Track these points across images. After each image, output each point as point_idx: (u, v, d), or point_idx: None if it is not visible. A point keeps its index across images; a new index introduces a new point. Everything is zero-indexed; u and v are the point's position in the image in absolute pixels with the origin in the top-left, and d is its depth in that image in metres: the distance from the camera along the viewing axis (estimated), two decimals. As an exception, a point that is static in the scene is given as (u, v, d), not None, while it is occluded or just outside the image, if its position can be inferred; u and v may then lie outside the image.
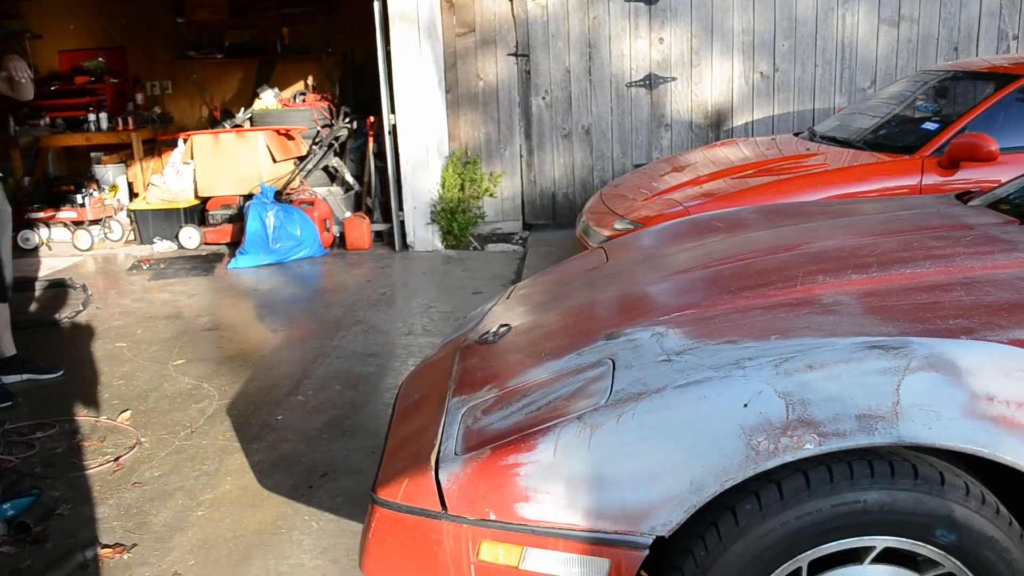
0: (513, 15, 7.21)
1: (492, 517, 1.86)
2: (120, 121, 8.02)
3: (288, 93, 8.32)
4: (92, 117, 7.98)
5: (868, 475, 1.74)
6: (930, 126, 5.00)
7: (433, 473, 1.94)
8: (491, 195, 7.41)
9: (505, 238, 7.39)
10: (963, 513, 1.74)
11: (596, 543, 1.79)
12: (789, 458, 1.72)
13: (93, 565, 2.79)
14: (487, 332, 2.73)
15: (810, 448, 1.72)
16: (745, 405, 1.76)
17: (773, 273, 2.44)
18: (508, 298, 3.22)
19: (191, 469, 3.42)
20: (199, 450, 3.58)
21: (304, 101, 7.98)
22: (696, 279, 2.57)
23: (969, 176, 4.59)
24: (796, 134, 5.99)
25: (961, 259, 2.34)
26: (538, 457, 1.85)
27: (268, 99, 7.88)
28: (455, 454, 1.98)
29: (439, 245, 7.04)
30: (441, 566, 1.93)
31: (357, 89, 8.42)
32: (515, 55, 7.29)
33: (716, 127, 7.37)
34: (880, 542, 1.76)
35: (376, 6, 6.70)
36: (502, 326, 2.73)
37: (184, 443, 3.66)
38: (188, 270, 6.66)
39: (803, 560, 1.76)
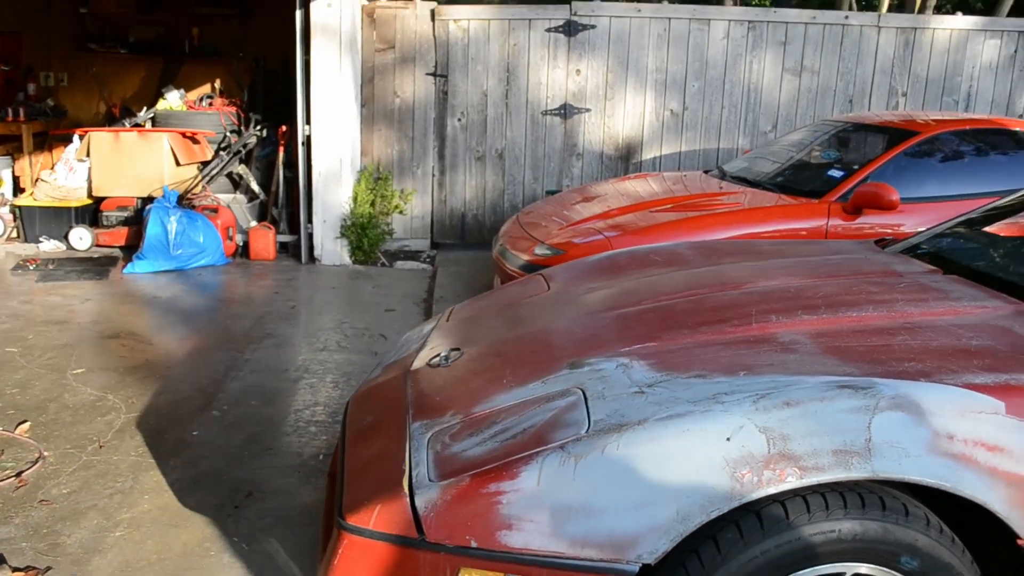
0: (434, 35, 7.22)
1: (473, 545, 1.84)
2: (9, 111, 7.54)
3: (194, 95, 8.02)
4: (-22, 104, 7.48)
5: (842, 506, 1.83)
6: (835, 173, 5.29)
7: (408, 499, 1.91)
8: (401, 212, 7.35)
9: (413, 256, 7.34)
10: (925, 542, 1.85)
11: (581, 571, 1.80)
12: (772, 490, 1.78)
13: (3, 589, 2.60)
14: (437, 355, 2.71)
15: (792, 481, 1.78)
16: (728, 439, 1.81)
17: (726, 310, 2.52)
18: (448, 321, 3.19)
19: (103, 487, 3.23)
20: (110, 466, 3.39)
21: (211, 105, 7.71)
22: (650, 312, 2.62)
23: (870, 221, 4.89)
24: (706, 171, 6.21)
25: (900, 305, 2.48)
26: (521, 485, 1.84)
27: (173, 100, 7.58)
28: (429, 480, 1.95)
29: (347, 260, 6.92)
30: (414, 594, 1.89)
31: (267, 96, 8.21)
32: (434, 75, 7.29)
33: (626, 159, 7.56)
34: (851, 568, 1.84)
35: (298, 15, 6.57)
36: (452, 350, 2.72)
37: (93, 458, 3.45)
38: (80, 272, 6.31)
39: (781, 588, 1.83)
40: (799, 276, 2.85)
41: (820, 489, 1.85)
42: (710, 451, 1.80)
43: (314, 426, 3.82)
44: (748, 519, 1.81)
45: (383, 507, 1.92)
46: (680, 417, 1.86)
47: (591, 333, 2.53)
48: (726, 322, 2.41)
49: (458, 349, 2.69)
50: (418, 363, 2.71)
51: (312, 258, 6.90)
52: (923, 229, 4.45)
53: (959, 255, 3.10)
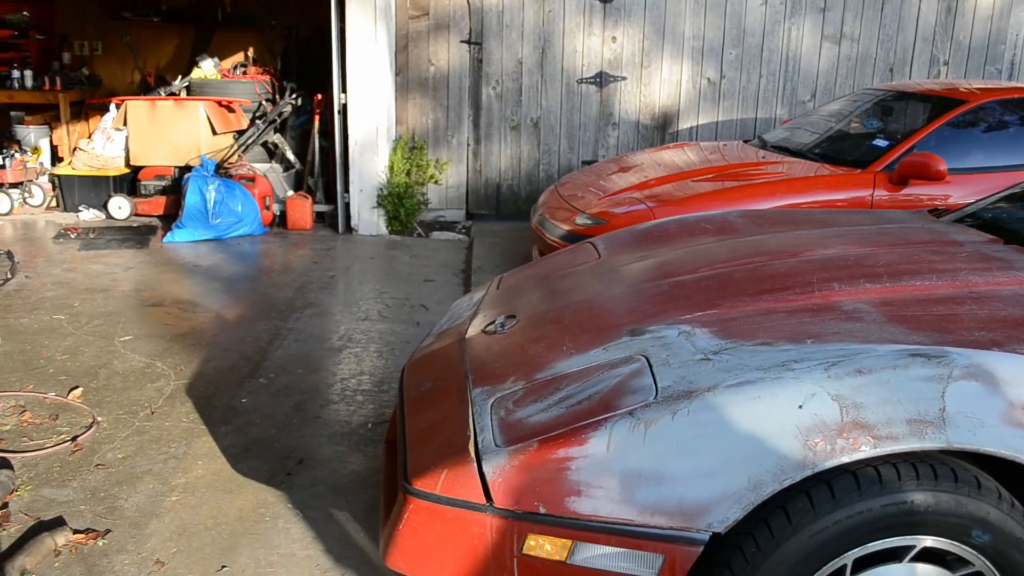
0: (468, 2, 7.15)
1: (542, 511, 1.84)
2: (46, 80, 7.59)
3: (228, 64, 8.03)
4: (16, 74, 7.54)
5: (914, 477, 1.81)
6: (880, 143, 5.20)
7: (475, 465, 1.91)
8: (436, 182, 7.34)
9: (449, 226, 7.33)
10: (997, 515, 1.83)
11: (651, 538, 1.80)
12: (846, 459, 1.77)
13: (67, 552, 2.64)
14: (492, 323, 2.71)
15: (865, 450, 1.77)
16: (800, 406, 1.80)
17: (786, 278, 2.49)
18: (498, 288, 3.19)
19: (157, 452, 3.27)
20: (163, 432, 3.43)
21: (245, 73, 7.72)
22: (707, 280, 2.59)
23: (916, 192, 4.81)
24: (745, 141, 6.14)
25: (964, 274, 2.44)
26: (591, 451, 1.84)
27: (207, 68, 7.59)
28: (496, 446, 1.95)
29: (384, 230, 6.93)
30: (481, 559, 1.91)
31: (300, 64, 8.19)
32: (468, 43, 7.23)
33: (662, 128, 7.48)
34: (921, 541, 1.83)
35: (334, -19, 6.54)
36: (508, 317, 2.71)
37: (145, 424, 3.49)
38: (120, 241, 6.36)
39: (848, 558, 1.82)
40: (857, 244, 2.81)
41: (892, 459, 1.84)
42: (782, 419, 1.79)
43: (361, 395, 3.84)
44: (819, 489, 1.80)
45: (450, 472, 1.93)
46: (751, 384, 1.84)
47: (649, 301, 2.51)
48: (787, 290, 2.39)
49: (513, 316, 2.68)
50: (473, 330, 2.72)
51: (349, 228, 6.91)
52: (973, 199, 4.40)
53: (1019, 225, 3.04)
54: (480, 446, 1.96)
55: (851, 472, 1.81)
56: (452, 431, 2.10)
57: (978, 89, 5.40)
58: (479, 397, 2.20)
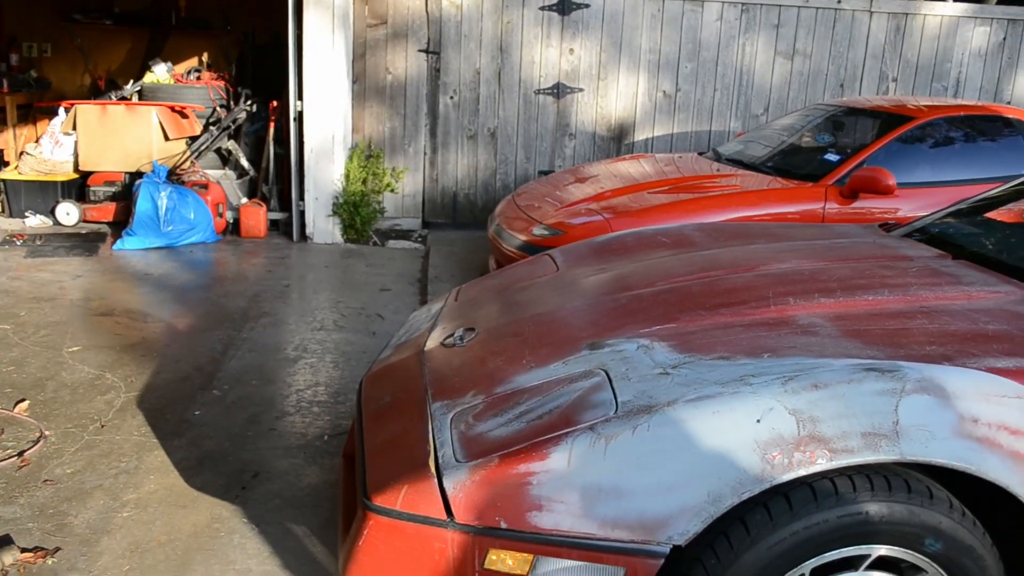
0: (427, 11, 7.15)
1: (503, 526, 1.84)
2: (-8, 83, 7.41)
3: (181, 68, 7.90)
4: (-40, 76, 7.34)
5: (869, 489, 1.84)
6: (831, 157, 5.31)
7: (436, 480, 1.91)
8: (392, 191, 7.30)
9: (405, 235, 7.30)
10: (949, 524, 1.88)
11: (612, 552, 1.81)
12: (803, 472, 1.80)
13: (15, 571, 2.57)
14: (451, 335, 2.70)
15: (822, 463, 1.80)
16: (758, 420, 1.82)
17: (742, 292, 2.53)
18: (456, 300, 3.19)
19: (107, 466, 3.20)
20: (113, 446, 3.35)
21: (199, 78, 7.60)
22: (665, 293, 2.62)
23: (867, 205, 4.93)
24: (700, 153, 6.22)
25: (915, 289, 2.50)
26: (551, 466, 1.84)
27: (160, 73, 7.46)
28: (456, 461, 1.94)
29: (339, 238, 6.87)
30: (442, 575, 1.90)
31: (256, 70, 8.10)
32: (426, 52, 7.22)
33: (618, 140, 7.55)
34: (876, 550, 1.87)
35: (291, -12, 6.48)
36: (467, 329, 2.71)
37: (95, 438, 3.41)
38: (68, 248, 6.22)
39: (806, 567, 1.85)
40: (811, 259, 2.86)
41: (847, 471, 1.87)
42: (741, 433, 1.81)
43: (316, 406, 3.80)
44: (777, 501, 1.83)
45: (410, 487, 1.92)
46: (710, 399, 1.87)
47: (607, 314, 2.53)
48: (744, 304, 2.42)
49: (472, 329, 2.68)
50: (431, 343, 2.71)
51: (304, 236, 6.84)
52: (921, 213, 4.51)
53: (966, 240, 3.12)
54: (440, 461, 1.96)
55: (808, 484, 1.84)
56: (412, 446, 2.09)
57: (926, 106, 5.55)
58: (439, 411, 2.20)
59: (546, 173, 6.97)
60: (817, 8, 7.48)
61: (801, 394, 1.85)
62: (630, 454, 1.82)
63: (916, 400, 1.86)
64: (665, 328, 2.32)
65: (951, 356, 2.01)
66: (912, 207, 4.91)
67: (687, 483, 1.80)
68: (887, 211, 4.93)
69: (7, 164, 7.53)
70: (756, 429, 1.81)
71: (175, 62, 8.03)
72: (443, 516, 1.87)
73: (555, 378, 2.17)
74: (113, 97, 7.31)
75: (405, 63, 7.22)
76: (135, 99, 7.32)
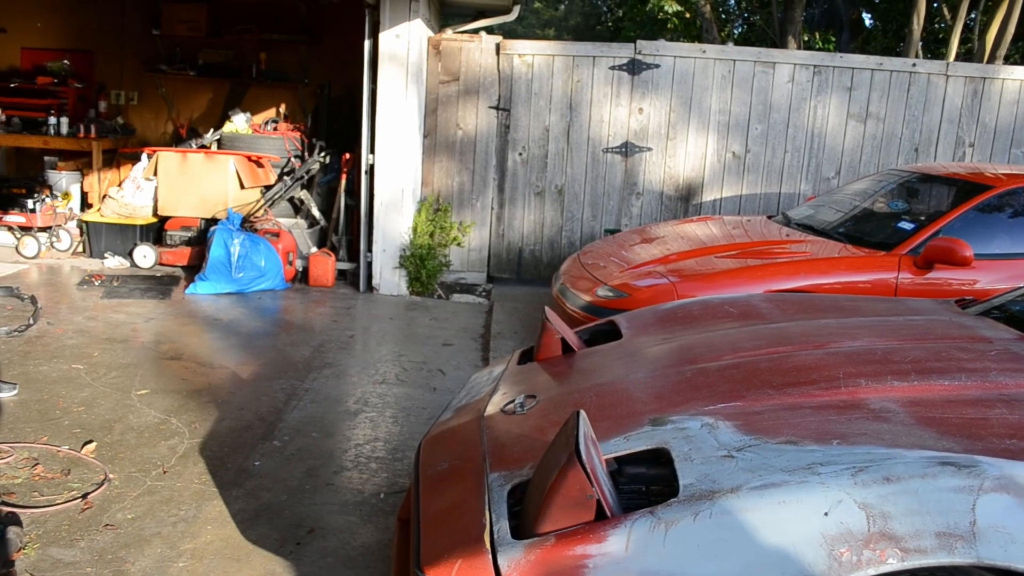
0: (499, 69, 7.27)
1: (557, 609, 1.79)
2: (81, 127, 7.74)
3: (259, 119, 8.17)
4: (52, 120, 7.70)
5: (940, 594, 1.75)
6: (905, 225, 5.18)
7: (490, 557, 1.87)
8: (459, 244, 7.37)
9: (469, 289, 7.34)
10: (1023, 636, 1.76)
11: (668, 645, 1.74)
12: (872, 572, 1.72)
13: (70, 615, 2.60)
14: (512, 401, 2.68)
15: (893, 563, 1.72)
16: (826, 514, 1.75)
17: (812, 371, 2.46)
18: (519, 364, 3.17)
19: (167, 514, 3.24)
20: (174, 492, 3.40)
21: (276, 129, 7.84)
22: (731, 368, 2.56)
23: (942, 276, 4.78)
24: (769, 217, 6.14)
25: (994, 375, 2.40)
26: (608, 550, 1.80)
27: (239, 123, 7.72)
28: (512, 538, 1.91)
29: (404, 290, 6.95)
30: (492, 654, 1.85)
31: (331, 122, 8.32)
32: (496, 108, 7.33)
33: (686, 200, 7.51)
34: (944, 661, 1.77)
35: (367, 44, 6.66)
36: (528, 396, 2.69)
37: (157, 483, 3.47)
38: (143, 291, 6.41)
39: (872, 675, 1.75)
40: (884, 337, 2.78)
41: (917, 573, 1.78)
42: (807, 526, 1.75)
43: (374, 462, 3.80)
44: (844, 600, 1.75)
45: (464, 562, 1.89)
46: (775, 487, 1.80)
47: (671, 388, 2.49)
48: (813, 384, 2.35)
49: (533, 396, 2.66)
50: (492, 408, 2.69)
51: (370, 287, 6.93)
52: (1001, 287, 4.36)
53: (1048, 322, 2.99)
54: (496, 536, 1.92)
55: (877, 584, 1.76)
56: (467, 517, 2.06)
57: (1004, 175, 5.40)
58: (496, 483, 2.17)
59: (612, 232, 6.96)
60: (891, 71, 7.39)
61: (872, 487, 1.78)
62: (690, 542, 1.77)
63: (995, 499, 1.77)
64: (731, 406, 2.27)
65: (1032, 452, 1.92)
66: (990, 280, 4.76)
67: (749, 576, 1.74)
68: (964, 283, 4.78)
69: (90, 206, 7.84)
70: (823, 523, 1.75)
71: (254, 112, 8.31)
72: (496, 595, 1.83)
73: (616, 455, 2.13)
74: (193, 145, 7.58)
75: (476, 119, 7.33)
76: (214, 147, 7.58)
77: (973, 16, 13.43)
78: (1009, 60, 12.81)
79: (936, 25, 15.13)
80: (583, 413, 1.99)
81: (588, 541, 1.82)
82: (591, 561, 1.80)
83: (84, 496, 3.32)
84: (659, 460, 2.09)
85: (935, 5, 13.28)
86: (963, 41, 13.37)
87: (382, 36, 6.59)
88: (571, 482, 1.82)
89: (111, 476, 3.50)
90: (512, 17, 7.29)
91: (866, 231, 5.36)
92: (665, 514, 1.81)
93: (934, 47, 15.25)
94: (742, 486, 1.83)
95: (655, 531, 1.79)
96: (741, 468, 1.91)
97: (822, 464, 1.87)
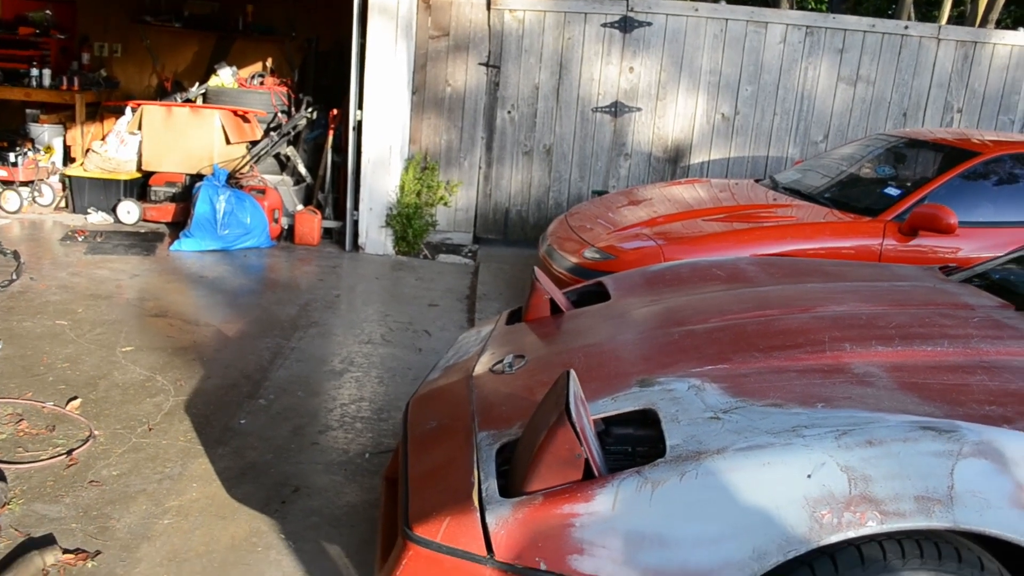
0: (489, 24, 7.18)
1: (543, 567, 1.82)
2: (64, 80, 7.61)
3: (246, 73, 8.05)
4: (35, 72, 7.55)
5: (918, 556, 1.79)
6: (891, 191, 5.19)
7: (478, 515, 1.89)
8: (445, 204, 7.34)
9: (455, 249, 7.32)
10: (998, 597, 1.81)
11: (652, 603, 1.77)
12: (852, 534, 1.75)
13: (55, 572, 2.61)
14: (500, 362, 2.69)
15: (872, 526, 1.75)
16: (809, 476, 1.78)
17: (797, 335, 2.48)
18: (507, 324, 3.17)
19: (152, 471, 3.25)
20: (159, 450, 3.41)
21: (263, 84, 7.74)
22: (718, 331, 2.58)
23: (926, 243, 4.80)
24: (756, 180, 6.13)
25: (975, 341, 2.43)
26: (596, 509, 1.82)
27: (225, 77, 7.61)
28: (500, 496, 1.93)
29: (391, 250, 6.92)
30: (477, 611, 1.88)
31: (318, 77, 8.21)
32: (486, 65, 7.25)
33: (674, 162, 7.49)
34: (920, 620, 1.81)
35: (356, -1, 6.56)
36: (516, 356, 2.70)
37: (142, 441, 3.47)
38: (127, 247, 6.36)
39: (849, 633, 1.79)
40: (869, 302, 2.80)
41: (896, 535, 1.81)
42: (791, 488, 1.77)
43: (360, 422, 3.82)
44: (822, 562, 1.78)
45: (452, 520, 1.91)
46: (761, 449, 1.83)
47: (659, 349, 2.50)
48: (798, 347, 2.37)
49: (522, 356, 2.67)
50: (480, 368, 2.70)
51: (356, 246, 6.90)
52: (986, 255, 4.38)
53: (1031, 289, 3.02)
54: (484, 495, 1.94)
55: (856, 547, 1.79)
56: (456, 476, 2.08)
57: (991, 141, 5.40)
58: (484, 441, 2.19)
59: (600, 193, 6.93)
60: (883, 33, 7.34)
61: (855, 450, 1.80)
62: (677, 502, 1.79)
63: (973, 464, 1.80)
64: (718, 368, 2.28)
65: (1011, 418, 1.94)
66: (974, 247, 4.78)
67: (733, 537, 1.76)
68: (948, 251, 4.81)
69: (73, 160, 7.74)
70: (807, 484, 1.77)
71: (240, 66, 8.18)
72: (483, 552, 1.85)
73: (603, 414, 2.15)
74: (178, 99, 7.47)
75: (465, 76, 7.26)
76: (200, 101, 7.47)
77: (966, -20, 13.34)
78: (1001, 24, 12.76)
79: (929, -12, 15.05)
80: (573, 373, 2.00)
81: (575, 500, 1.84)
82: (578, 520, 1.82)
83: (69, 452, 3.32)
84: (646, 421, 2.11)
85: (928, -32, 13.17)
86: (956, 3, 13.29)
87: (371, -10, 6.49)
88: (560, 441, 1.84)
89: (96, 433, 3.50)
90: (502, -27, 7.18)
91: (852, 196, 5.37)
92: (652, 474, 1.83)
93: (926, 9, 15.16)
94: (728, 447, 1.85)
95: (642, 491, 1.81)
96: (727, 430, 1.93)
97: (806, 427, 1.89)
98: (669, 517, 1.79)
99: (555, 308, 3.11)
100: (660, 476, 1.82)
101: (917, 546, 1.80)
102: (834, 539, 1.74)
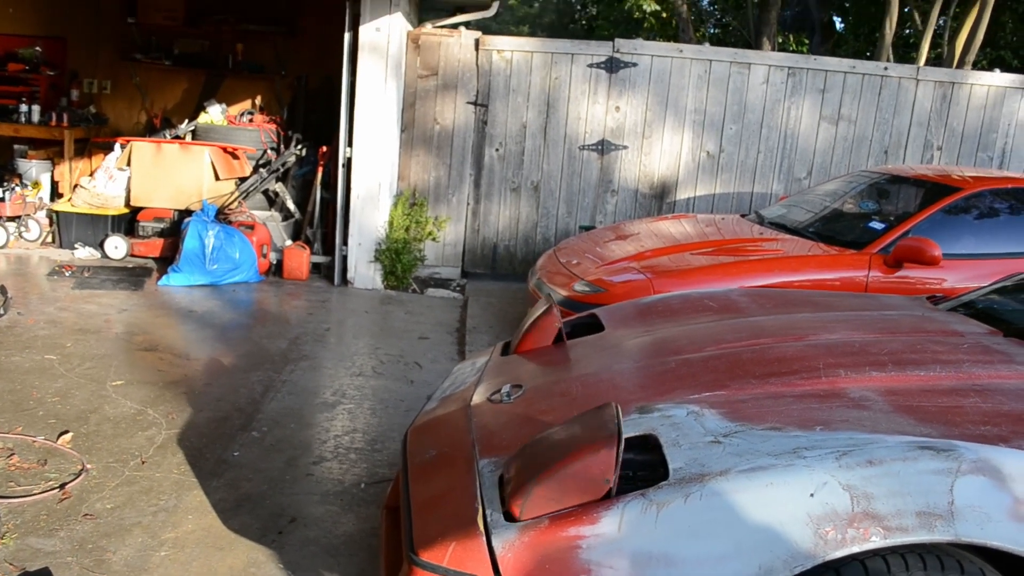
0: (477, 64, 7.28)
1: (550, 589, 1.82)
2: (53, 116, 7.63)
3: (235, 110, 8.11)
4: (23, 108, 7.58)
5: (922, 568, 1.82)
6: (876, 225, 5.29)
7: (484, 539, 1.90)
8: (434, 239, 7.38)
9: (443, 283, 7.36)
10: (1000, 609, 1.83)
11: (659, 623, 1.78)
12: (856, 549, 1.77)
13: (52, 603, 2.59)
14: (498, 391, 2.70)
15: (876, 541, 1.78)
16: (812, 495, 1.81)
17: (793, 362, 2.52)
18: (502, 355, 3.20)
19: (147, 504, 3.22)
20: (153, 483, 3.38)
21: (252, 121, 7.79)
22: (714, 360, 2.61)
23: (911, 275, 4.88)
24: (742, 216, 6.22)
25: (967, 366, 2.47)
26: (602, 531, 1.84)
27: (215, 114, 7.66)
28: (505, 521, 1.94)
29: (379, 284, 6.94)
30: (484, 635, 1.88)
31: (307, 115, 8.28)
32: (474, 104, 7.34)
33: (660, 198, 7.58)
34: (924, 633, 1.83)
35: (347, 37, 6.64)
36: (514, 386, 2.71)
37: (136, 474, 3.45)
38: (115, 282, 6.34)
39: (855, 649, 1.81)
40: (860, 330, 2.85)
41: (899, 549, 1.84)
42: (794, 506, 1.80)
43: (354, 453, 3.81)
44: (828, 577, 1.80)
45: (458, 545, 1.91)
46: (763, 470, 1.85)
47: (656, 378, 2.53)
48: (794, 374, 2.41)
49: (519, 386, 2.69)
50: (478, 398, 2.71)
51: (345, 280, 6.92)
52: (969, 286, 4.46)
53: (1017, 317, 3.09)
54: (489, 520, 1.95)
55: (860, 561, 1.82)
56: (459, 502, 2.08)
57: (971, 177, 5.52)
58: (486, 469, 2.20)
59: (587, 228, 7.00)
60: (863, 74, 7.51)
61: (855, 470, 1.83)
62: (682, 522, 1.81)
63: (972, 481, 1.83)
64: (715, 395, 2.31)
65: (1007, 437, 1.98)
66: (957, 279, 4.87)
67: (739, 555, 1.78)
68: (932, 282, 4.89)
69: (61, 196, 7.73)
70: (809, 503, 1.80)
71: (229, 104, 8.24)
72: (490, 575, 1.86)
73: (603, 440, 2.16)
74: (168, 135, 7.51)
75: (454, 114, 7.35)
76: (189, 138, 7.51)
77: (943, 22, 13.67)
78: (977, 66, 13.06)
79: (907, 30, 15.38)
80: (617, 404, 2.03)
81: (582, 523, 1.85)
82: (584, 542, 1.83)
83: (62, 486, 3.29)
84: (646, 447, 2.13)
85: (906, 10, 13.49)
86: (933, 46, 13.61)
87: (362, 29, 6.58)
88: (597, 462, 1.86)
89: (88, 466, 3.47)
90: (491, 12, 7.30)
91: (837, 230, 5.46)
92: (657, 496, 1.85)
93: (903, 51, 15.49)
94: (731, 469, 1.87)
95: (647, 512, 1.83)
96: (729, 452, 1.95)
97: (807, 448, 1.92)
98: (675, 537, 1.81)
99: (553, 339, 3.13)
100: (665, 498, 1.84)
101: (920, 559, 1.82)
102: (839, 554, 1.77)
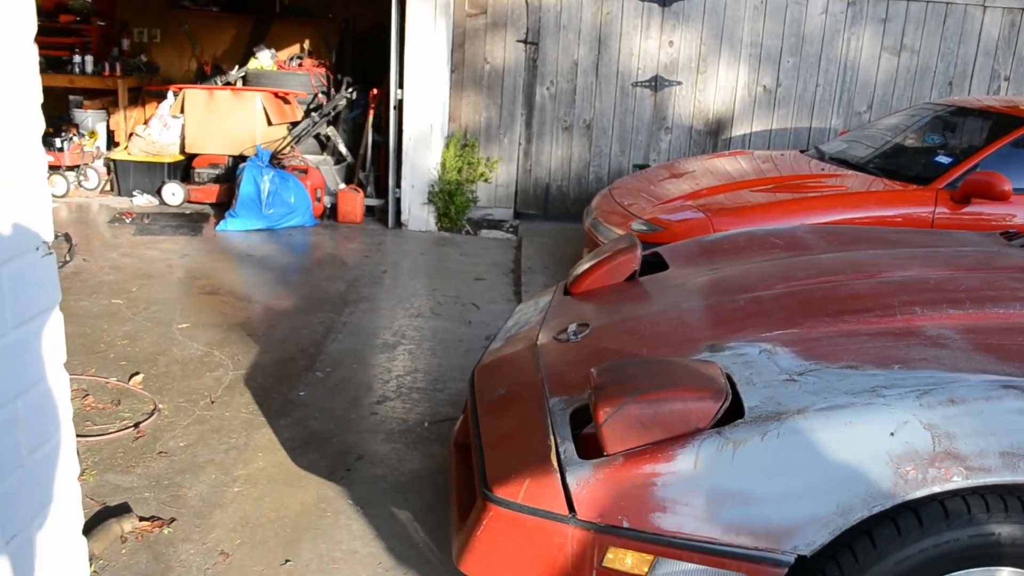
0: (527, 1, 7.15)
1: (625, 525, 1.84)
2: (106, 66, 7.69)
3: (284, 55, 8.09)
4: (76, 59, 7.64)
5: (1003, 509, 1.78)
6: (942, 159, 5.13)
7: (559, 476, 1.92)
8: (486, 180, 7.34)
9: (496, 225, 7.34)
10: (1080, 552, 1.80)
11: (735, 558, 1.79)
12: (937, 489, 1.75)
13: (133, 539, 2.68)
14: (564, 330, 2.70)
15: (958, 481, 1.75)
16: (892, 434, 1.78)
17: (867, 299, 2.47)
18: (565, 294, 3.18)
19: (218, 442, 3.31)
20: (223, 422, 3.47)
21: (301, 65, 7.77)
22: (786, 297, 2.57)
23: (979, 210, 4.74)
24: (801, 151, 6.08)
25: (1048, 303, 2.40)
26: (677, 468, 1.84)
27: (264, 59, 7.65)
28: (580, 458, 1.95)
29: (433, 226, 6.95)
30: (559, 569, 1.91)
31: (356, 58, 8.23)
32: (524, 42, 7.23)
33: (715, 135, 7.43)
34: (1000, 572, 1.81)
35: (395, -23, 6.56)
36: (580, 325, 2.71)
37: (206, 413, 3.54)
38: (174, 228, 6.44)
39: (930, 587, 1.80)
40: (935, 267, 2.78)
41: (980, 490, 1.81)
42: (873, 445, 1.78)
43: (416, 392, 3.86)
44: (906, 517, 1.78)
45: (532, 481, 1.93)
46: (841, 409, 1.83)
47: (726, 316, 2.50)
48: (868, 312, 2.36)
49: (586, 325, 2.68)
50: (544, 337, 2.71)
51: (399, 223, 6.94)
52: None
53: (1098, 252, 2.98)
54: (562, 457, 1.96)
55: (939, 501, 1.79)
56: (532, 440, 2.10)
57: (1044, 108, 5.31)
58: (557, 407, 2.20)
59: (641, 167, 6.90)
60: (928, 2, 7.22)
61: (937, 409, 1.80)
62: (758, 461, 1.80)
63: (1058, 421, 1.79)
64: (788, 333, 2.28)
65: (1093, 376, 1.93)
66: (1027, 214, 4.73)
67: (816, 493, 1.77)
68: (1001, 218, 4.75)
69: (117, 145, 7.84)
70: (890, 443, 1.77)
71: (278, 49, 8.22)
72: (565, 511, 1.88)
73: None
74: (218, 82, 7.53)
75: (503, 53, 7.24)
76: (239, 84, 7.52)
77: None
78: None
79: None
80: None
81: (657, 460, 1.85)
82: (660, 479, 1.84)
83: (136, 425, 3.39)
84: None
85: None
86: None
87: (409, -32, 6.48)
88: (700, 408, 1.88)
89: (160, 406, 3.57)
90: (540, -52, 7.13)
91: (902, 165, 5.31)
92: (733, 434, 1.84)
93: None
94: (808, 407, 1.85)
95: (723, 450, 1.82)
96: (805, 391, 1.93)
97: (886, 387, 1.89)
98: (751, 475, 1.80)
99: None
100: (741, 436, 1.83)
101: (1001, 500, 1.79)
102: (919, 494, 1.75)
